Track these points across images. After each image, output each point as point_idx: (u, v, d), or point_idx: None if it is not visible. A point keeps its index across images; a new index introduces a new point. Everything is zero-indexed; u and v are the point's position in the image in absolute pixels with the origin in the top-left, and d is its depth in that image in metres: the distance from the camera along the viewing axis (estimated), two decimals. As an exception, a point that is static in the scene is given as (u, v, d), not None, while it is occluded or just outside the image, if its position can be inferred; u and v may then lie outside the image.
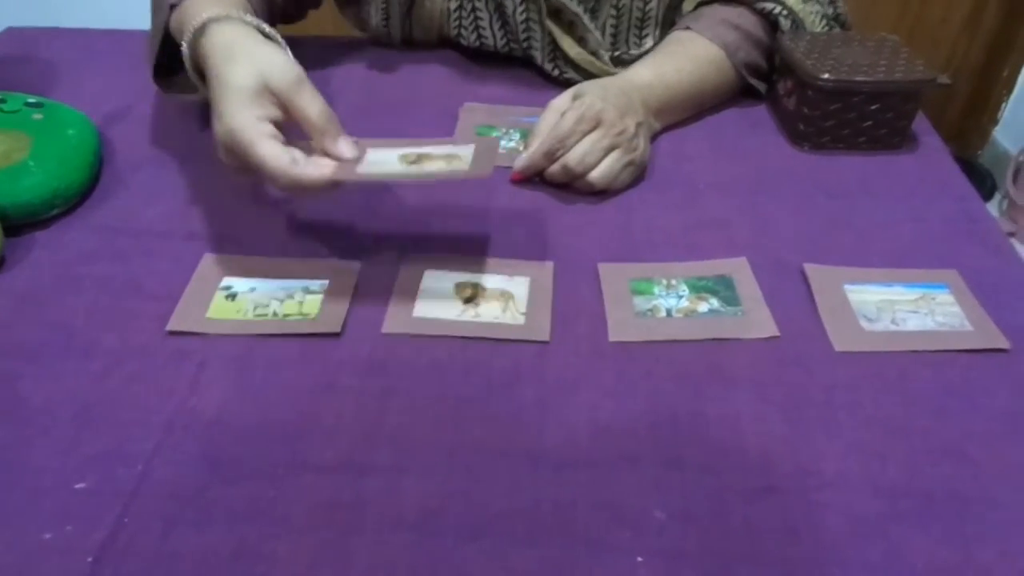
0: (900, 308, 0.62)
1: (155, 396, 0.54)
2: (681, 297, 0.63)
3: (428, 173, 0.59)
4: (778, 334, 0.60)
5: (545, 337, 0.59)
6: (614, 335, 0.59)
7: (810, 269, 0.65)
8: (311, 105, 0.59)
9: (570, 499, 0.48)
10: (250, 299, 0.61)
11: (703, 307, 0.62)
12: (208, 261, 0.64)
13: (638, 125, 0.74)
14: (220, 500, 0.48)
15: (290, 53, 0.64)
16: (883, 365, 0.57)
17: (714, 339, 0.59)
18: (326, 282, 0.63)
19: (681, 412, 0.54)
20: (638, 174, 0.76)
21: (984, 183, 2.12)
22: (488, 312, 0.61)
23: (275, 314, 0.60)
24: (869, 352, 0.58)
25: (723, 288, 0.64)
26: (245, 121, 0.57)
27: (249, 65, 0.59)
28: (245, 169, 0.58)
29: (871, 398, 0.55)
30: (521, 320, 0.60)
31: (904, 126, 0.81)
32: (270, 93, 0.58)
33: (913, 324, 0.60)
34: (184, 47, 0.65)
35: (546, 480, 0.49)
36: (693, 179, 0.77)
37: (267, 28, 0.66)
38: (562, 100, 0.76)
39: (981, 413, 0.54)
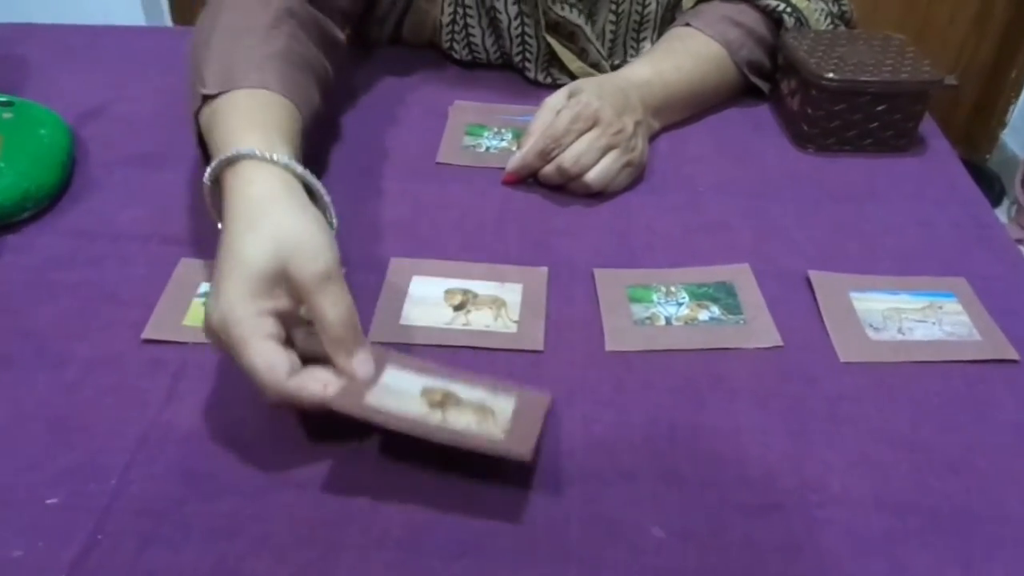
0: (907, 317, 0.62)
1: (129, 407, 0.54)
2: (681, 304, 0.63)
3: (452, 435, 0.49)
4: (781, 343, 0.60)
5: (539, 346, 0.59)
6: (611, 344, 0.60)
7: (815, 276, 0.65)
8: (332, 308, 0.49)
9: (563, 515, 0.48)
10: (230, 306, 0.61)
11: (703, 315, 0.62)
12: (185, 266, 0.64)
13: (636, 124, 0.75)
14: (197, 516, 0.48)
15: (332, 213, 0.58)
16: (889, 376, 0.58)
17: (715, 348, 0.59)
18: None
19: (680, 424, 0.54)
20: (636, 175, 0.76)
21: (992, 188, 2.14)
22: (479, 320, 0.61)
23: (256, 322, 0.60)
24: (875, 363, 0.59)
25: (724, 295, 0.64)
26: (244, 315, 0.48)
27: (272, 240, 0.49)
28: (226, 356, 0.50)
29: (876, 410, 0.55)
30: (513, 328, 0.60)
31: (911, 128, 0.81)
32: (287, 281, 0.49)
33: (920, 334, 0.61)
34: (205, 178, 0.56)
35: (538, 495, 0.49)
36: (693, 181, 0.77)
37: (312, 180, 0.56)
38: (557, 98, 0.76)
39: (990, 426, 0.54)
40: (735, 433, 0.53)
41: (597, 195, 0.74)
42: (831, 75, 0.78)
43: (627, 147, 0.74)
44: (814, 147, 0.82)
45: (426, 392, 0.52)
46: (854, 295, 0.64)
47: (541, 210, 0.73)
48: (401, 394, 0.51)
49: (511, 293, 0.63)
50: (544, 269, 0.66)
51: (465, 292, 0.63)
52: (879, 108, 0.79)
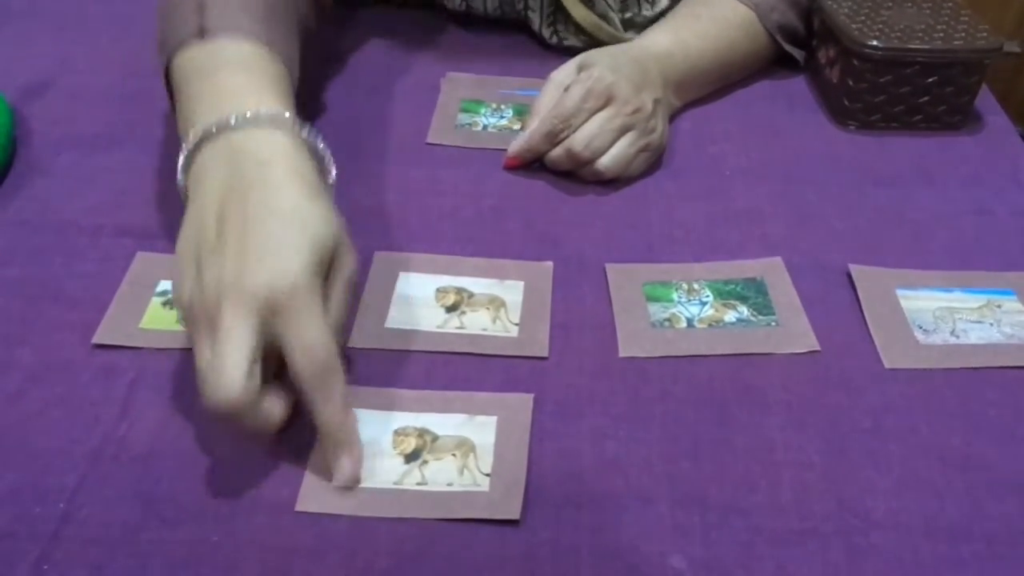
0: (961, 317, 0.62)
1: (79, 421, 0.54)
2: (704, 304, 0.63)
3: (431, 508, 0.50)
4: (818, 348, 0.60)
5: (543, 352, 0.59)
6: (625, 350, 0.60)
7: (856, 271, 0.65)
8: (337, 310, 0.52)
9: (572, 544, 0.48)
10: (192, 306, 0.61)
11: (730, 316, 0.62)
12: (142, 261, 0.64)
13: (656, 102, 0.75)
14: (156, 545, 0.48)
15: (332, 181, 0.60)
16: (941, 385, 0.58)
17: (743, 354, 0.59)
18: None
19: (704, 441, 0.54)
20: (654, 160, 0.76)
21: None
22: (475, 322, 0.61)
23: (222, 324, 0.60)
24: (924, 369, 0.59)
25: (754, 293, 0.64)
26: (309, 286, 0.48)
27: (332, 224, 0.52)
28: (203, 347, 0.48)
29: (926, 424, 0.55)
30: (514, 332, 0.61)
31: (966, 102, 0.81)
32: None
33: (976, 336, 0.61)
34: (193, 136, 0.55)
35: (544, 522, 0.49)
36: (718, 165, 0.77)
37: (329, 161, 0.59)
38: (565, 72, 0.76)
39: (1056, 441, 0.55)
40: (766, 451, 0.54)
41: (610, 182, 0.74)
42: (875, 43, 0.78)
43: (645, 128, 0.74)
44: (856, 125, 0.82)
45: (398, 438, 0.53)
46: (901, 292, 0.64)
47: (545, 198, 0.73)
48: (371, 445, 0.52)
49: (511, 292, 0.63)
50: (549, 264, 0.66)
51: (459, 291, 0.63)
52: (930, 80, 0.79)
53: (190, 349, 0.57)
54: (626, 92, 0.72)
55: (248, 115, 0.55)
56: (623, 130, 0.72)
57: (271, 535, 0.48)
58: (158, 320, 0.60)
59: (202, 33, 0.62)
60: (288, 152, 0.54)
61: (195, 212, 0.52)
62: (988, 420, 0.56)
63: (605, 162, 0.72)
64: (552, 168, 0.75)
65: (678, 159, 0.78)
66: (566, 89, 0.73)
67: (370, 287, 0.64)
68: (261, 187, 0.51)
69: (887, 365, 0.59)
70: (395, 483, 0.51)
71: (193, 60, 0.62)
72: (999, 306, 0.63)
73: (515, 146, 0.75)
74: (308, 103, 0.81)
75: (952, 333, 0.61)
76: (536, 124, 0.73)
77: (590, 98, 0.71)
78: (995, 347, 0.60)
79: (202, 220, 0.51)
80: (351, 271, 0.53)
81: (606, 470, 0.52)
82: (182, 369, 0.57)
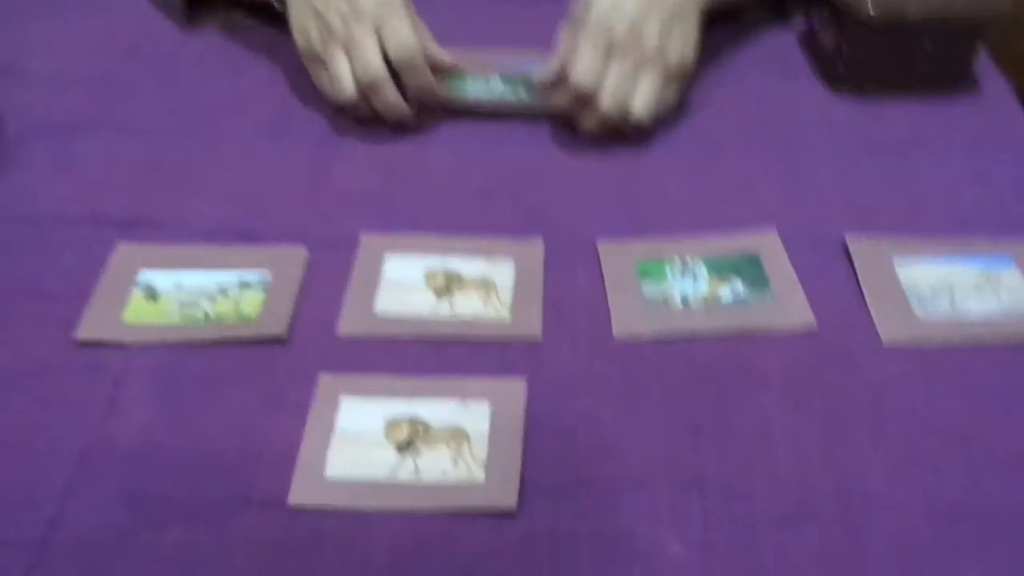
0: (960, 289, 0.62)
1: (64, 422, 0.54)
2: (699, 280, 0.63)
3: (421, 494, 0.51)
4: (815, 324, 0.60)
5: (536, 334, 0.59)
6: (619, 329, 0.60)
7: (853, 242, 0.65)
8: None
9: (570, 532, 0.49)
10: (175, 298, 0.61)
11: (726, 292, 0.62)
12: (122, 252, 0.64)
13: (660, 23, 0.71)
14: (148, 547, 0.48)
15: None
16: (939, 360, 0.58)
17: (739, 332, 0.60)
18: (267, 273, 0.63)
19: (700, 422, 0.54)
20: (687, 82, 0.76)
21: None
22: (466, 306, 0.61)
23: (206, 316, 0.60)
24: (923, 344, 0.59)
25: (749, 268, 0.64)
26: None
27: None
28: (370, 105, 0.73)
29: (926, 401, 0.56)
30: (506, 314, 0.61)
31: (965, 66, 0.81)
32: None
33: (975, 309, 0.61)
34: None
35: (539, 509, 0.50)
36: (711, 134, 0.77)
37: None
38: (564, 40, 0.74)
39: (1057, 415, 0.55)
40: (764, 431, 0.54)
41: (593, 142, 0.74)
42: (871, 6, 0.77)
43: (657, 59, 0.71)
44: (851, 90, 0.81)
45: (391, 428, 0.53)
46: (899, 264, 0.64)
47: (534, 173, 0.73)
48: (363, 435, 0.53)
49: (502, 273, 0.63)
50: (540, 242, 0.66)
51: (448, 273, 0.63)
52: (927, 43, 0.79)
53: (175, 343, 0.58)
54: (622, 31, 0.70)
55: None
56: (636, 71, 0.71)
57: (264, 531, 0.49)
58: (141, 314, 0.60)
59: None
60: None
61: None
62: (988, 396, 0.56)
63: (638, 113, 0.71)
64: (592, 138, 0.74)
65: (670, 130, 0.77)
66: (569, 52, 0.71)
67: (358, 272, 0.63)
68: None
69: (885, 340, 0.59)
70: (389, 475, 0.51)
71: None
72: (998, 277, 0.63)
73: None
74: (286, 83, 0.81)
75: (951, 306, 0.61)
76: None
77: (595, 56, 0.70)
78: (994, 320, 0.60)
79: None
80: None
81: (602, 455, 0.53)
82: (168, 364, 0.57)
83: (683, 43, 0.73)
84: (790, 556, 0.48)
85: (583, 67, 0.70)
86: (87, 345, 0.58)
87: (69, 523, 0.49)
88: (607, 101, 0.71)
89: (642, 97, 0.71)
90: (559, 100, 0.73)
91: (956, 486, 0.51)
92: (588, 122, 0.73)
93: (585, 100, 0.71)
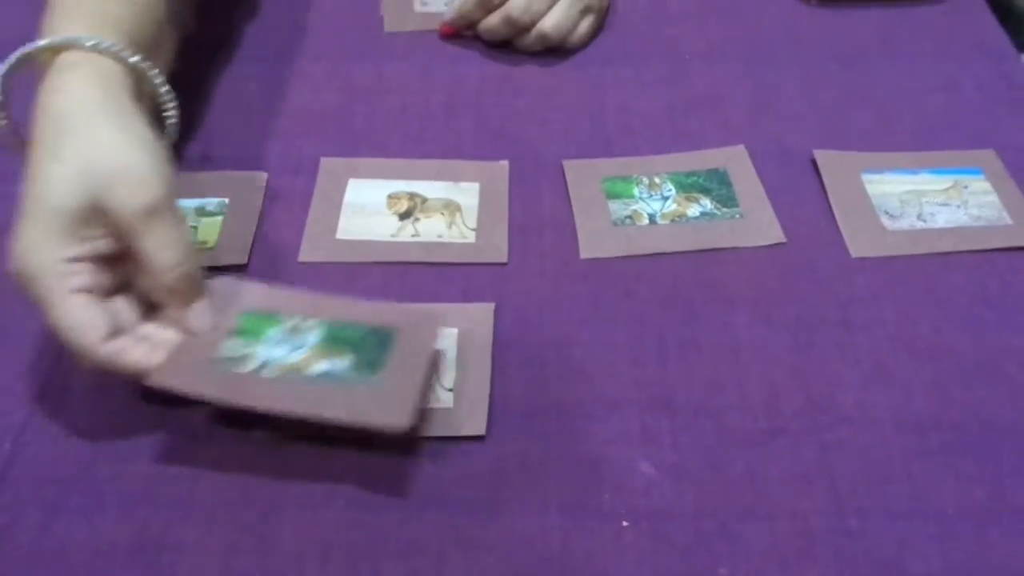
0: (928, 200, 0.61)
1: (20, 355, 0.52)
2: (667, 199, 0.62)
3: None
4: (784, 240, 0.59)
5: (502, 257, 0.58)
6: (586, 250, 0.59)
7: (821, 156, 0.64)
8: (160, 251, 0.46)
9: (538, 456, 0.48)
10: (130, 226, 0.59)
11: (693, 210, 0.61)
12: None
13: None
14: (111, 480, 0.47)
15: (172, 122, 0.56)
16: (908, 272, 0.57)
17: (708, 249, 0.59)
18: (225, 200, 0.61)
19: (669, 342, 0.53)
20: (598, 25, 0.75)
21: (1021, 31, 2.12)
22: (430, 229, 0.59)
23: (163, 244, 0.58)
24: (892, 256, 0.58)
25: (717, 185, 0.63)
26: (46, 265, 0.45)
27: (78, 170, 0.46)
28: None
29: (894, 313, 0.55)
30: (471, 237, 0.59)
31: (933, -29, 0.79)
32: (104, 219, 0.46)
33: (943, 219, 0.60)
34: (3, 68, 0.52)
35: (509, 434, 0.49)
36: (676, 47, 0.75)
37: (146, 68, 0.54)
38: None
39: (1023, 326, 0.55)
40: (733, 348, 0.53)
41: (556, 56, 0.72)
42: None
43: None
44: (819, 0, 0.79)
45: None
46: (867, 177, 0.63)
47: (498, 91, 0.70)
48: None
49: (467, 195, 0.62)
50: (504, 163, 0.64)
51: (412, 196, 0.61)
52: (895, -52, 0.76)
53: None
54: None
55: (21, 52, 0.51)
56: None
57: (230, 463, 0.48)
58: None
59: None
60: (53, 101, 0.49)
61: None
62: (955, 306, 0.56)
63: (549, 25, 0.70)
64: (488, 39, 0.73)
65: (634, 43, 0.75)
66: None
67: (318, 196, 0.61)
68: (35, 147, 0.47)
69: (853, 254, 0.58)
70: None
71: None
72: (966, 186, 0.62)
73: (448, 14, 0.73)
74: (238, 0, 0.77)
75: (919, 217, 0.60)
76: None
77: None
78: (962, 230, 0.60)
79: None
80: (144, 204, 0.46)
81: (571, 377, 0.52)
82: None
83: None
84: (759, 473, 0.48)
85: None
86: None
87: (28, 457, 0.48)
88: (519, 7, 0.70)
89: (557, 16, 0.71)
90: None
91: (923, 399, 0.51)
92: (492, 19, 0.72)
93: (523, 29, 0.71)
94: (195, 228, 0.59)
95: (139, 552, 0.44)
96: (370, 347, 0.49)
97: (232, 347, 0.49)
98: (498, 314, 0.54)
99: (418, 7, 0.77)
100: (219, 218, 0.59)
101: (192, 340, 0.48)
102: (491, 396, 0.50)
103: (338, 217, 0.60)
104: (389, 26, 0.76)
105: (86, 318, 0.45)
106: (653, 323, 0.54)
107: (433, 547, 0.45)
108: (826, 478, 0.47)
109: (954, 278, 0.57)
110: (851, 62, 0.73)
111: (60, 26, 0.52)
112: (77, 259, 0.46)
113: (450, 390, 0.50)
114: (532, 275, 0.57)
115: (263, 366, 0.48)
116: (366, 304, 0.52)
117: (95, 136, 0.47)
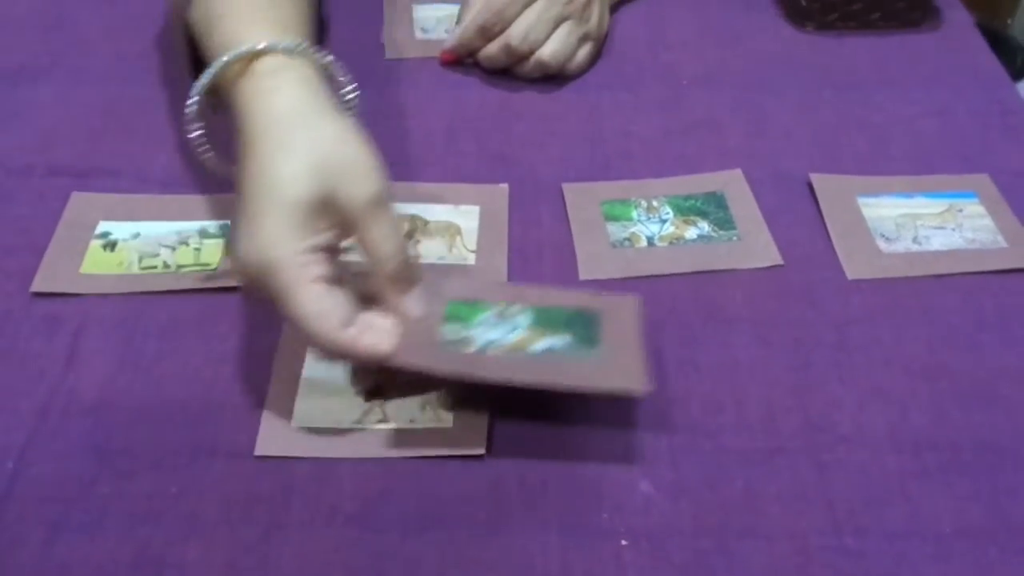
0: (923, 224, 0.62)
1: (23, 375, 0.52)
2: (664, 221, 0.62)
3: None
4: (781, 262, 0.60)
5: (501, 278, 0.58)
6: (585, 272, 0.59)
7: (817, 180, 0.65)
8: (387, 240, 0.48)
9: (537, 475, 0.48)
10: (134, 247, 0.59)
11: (691, 232, 0.61)
12: (78, 201, 0.62)
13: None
14: (113, 498, 0.47)
15: (354, 114, 0.56)
16: (903, 293, 0.58)
17: (705, 271, 0.59)
18: (227, 223, 0.61)
19: (668, 362, 0.54)
20: (596, 52, 0.75)
21: (1014, 59, 2.13)
22: (431, 251, 0.60)
23: (166, 265, 0.58)
24: (888, 278, 0.59)
25: (714, 208, 0.63)
26: (288, 257, 0.46)
27: (314, 159, 0.48)
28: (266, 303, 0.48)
29: (890, 334, 0.55)
30: (471, 259, 0.59)
31: (927, -1, 0.80)
32: (333, 210, 0.47)
33: (938, 242, 0.61)
34: (205, 79, 0.53)
35: (507, 453, 0.49)
36: (674, 73, 0.76)
37: (339, 71, 0.56)
38: None
39: (1018, 347, 0.55)
40: (731, 369, 0.53)
41: (555, 82, 0.73)
42: (832, -62, 0.76)
43: (582, 17, 0.72)
44: (814, 25, 0.80)
45: (357, 373, 0.52)
46: (863, 200, 0.64)
47: (498, 116, 0.71)
48: (328, 383, 0.51)
49: (467, 217, 0.62)
50: (504, 187, 0.64)
51: (413, 218, 0.62)
52: (889, -24, 0.77)
53: (135, 292, 0.56)
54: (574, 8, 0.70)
55: (235, 53, 0.52)
56: (560, 20, 0.71)
57: (231, 482, 0.48)
58: (99, 263, 0.58)
59: None
60: (271, 100, 0.51)
61: None
62: (951, 328, 0.56)
63: (548, 53, 0.71)
64: (488, 67, 0.73)
65: (632, 68, 0.76)
66: None
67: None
68: (258, 148, 0.49)
69: (849, 276, 0.59)
70: (356, 421, 0.50)
71: None
72: (961, 210, 0.63)
73: (449, 42, 0.74)
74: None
75: (914, 240, 0.61)
76: (469, 17, 0.72)
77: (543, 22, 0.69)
78: (957, 252, 0.60)
79: None
80: (373, 193, 0.48)
81: (569, 397, 0.52)
82: (128, 314, 0.55)
83: (603, 13, 0.76)
84: (758, 492, 0.48)
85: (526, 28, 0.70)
86: (44, 296, 0.56)
87: (32, 476, 0.48)
88: (518, 36, 0.70)
89: (556, 43, 0.71)
90: (470, 19, 0.72)
91: (921, 419, 0.51)
92: (491, 47, 0.72)
93: (495, 25, 0.71)
94: (197, 250, 0.59)
95: (140, 570, 0.44)
96: (581, 326, 0.50)
97: (452, 331, 0.50)
98: (498, 335, 0.55)
99: (419, 35, 0.78)
100: (221, 240, 0.60)
101: (414, 325, 0.49)
102: (491, 415, 0.50)
103: (340, 239, 0.60)
104: (390, 53, 0.77)
105: (327, 306, 0.46)
106: (652, 344, 0.55)
107: (433, 566, 0.45)
108: (824, 498, 0.48)
109: (950, 300, 0.57)
110: (846, 88, 0.74)
111: (246, 33, 0.53)
112: (313, 250, 0.47)
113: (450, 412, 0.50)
114: (532, 296, 0.57)
115: (488, 345, 0.49)
116: (562, 291, 0.54)
117: (322, 131, 0.49)
